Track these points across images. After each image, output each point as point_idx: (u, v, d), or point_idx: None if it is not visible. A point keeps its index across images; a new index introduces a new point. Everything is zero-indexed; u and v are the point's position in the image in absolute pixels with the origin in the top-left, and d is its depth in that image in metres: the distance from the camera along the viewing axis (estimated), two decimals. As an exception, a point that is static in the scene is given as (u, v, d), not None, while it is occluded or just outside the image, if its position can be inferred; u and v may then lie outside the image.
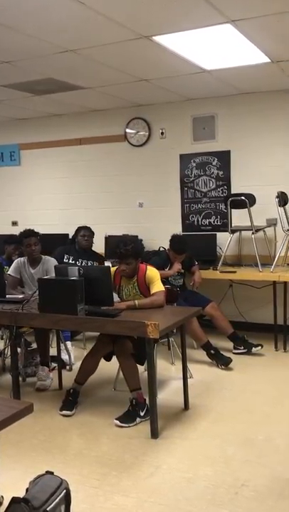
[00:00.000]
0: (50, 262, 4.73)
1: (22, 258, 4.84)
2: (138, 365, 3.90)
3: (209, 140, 6.08)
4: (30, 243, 4.67)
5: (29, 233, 4.73)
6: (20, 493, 2.42)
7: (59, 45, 3.94)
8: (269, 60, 4.45)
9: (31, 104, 6.11)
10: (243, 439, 3.43)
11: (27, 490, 2.48)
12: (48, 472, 2.61)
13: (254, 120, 5.81)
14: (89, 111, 6.58)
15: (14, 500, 2.33)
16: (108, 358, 4.19)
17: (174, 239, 5.23)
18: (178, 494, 2.82)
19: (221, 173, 6.06)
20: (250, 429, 3.59)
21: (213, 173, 6.11)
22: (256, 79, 5.16)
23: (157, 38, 3.85)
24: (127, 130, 6.48)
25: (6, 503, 2.40)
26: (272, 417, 3.78)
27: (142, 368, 3.94)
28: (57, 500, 2.42)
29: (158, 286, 4.06)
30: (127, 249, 4.01)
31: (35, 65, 4.45)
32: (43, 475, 2.58)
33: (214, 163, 6.09)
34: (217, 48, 4.13)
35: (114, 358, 4.17)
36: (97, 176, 6.74)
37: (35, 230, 4.79)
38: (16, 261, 4.88)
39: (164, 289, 4.10)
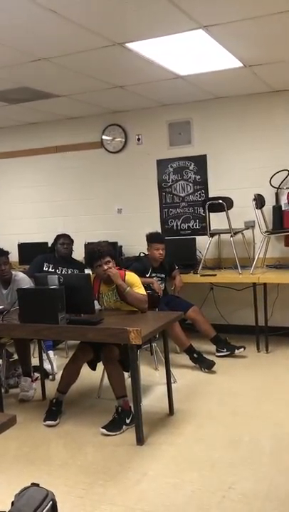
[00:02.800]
0: (21, 280, 4.63)
1: None
2: (124, 372, 3.89)
3: (185, 145, 6.12)
4: (0, 263, 4.59)
5: None
6: (6, 507, 2.39)
7: (32, 53, 3.93)
8: (242, 65, 4.50)
9: (6, 113, 6.07)
10: (228, 442, 3.44)
11: (12, 503, 2.44)
12: (33, 484, 2.57)
13: (229, 124, 5.87)
14: (64, 118, 6.56)
15: (-1, 515, 2.29)
16: (93, 367, 4.18)
17: (150, 233, 5.27)
18: (165, 500, 2.81)
19: (198, 177, 6.10)
20: (235, 431, 3.60)
21: (190, 177, 6.14)
22: (230, 83, 5.21)
23: (130, 45, 3.86)
24: (103, 137, 6.49)
25: (-9, 517, 2.36)
26: (256, 418, 3.80)
27: (126, 375, 3.93)
28: (43, 512, 2.39)
29: (140, 291, 4.06)
30: (102, 246, 4.08)
31: (9, 73, 4.42)
32: (28, 487, 2.54)
33: (191, 168, 6.12)
34: (190, 53, 4.16)
35: (98, 367, 4.16)
36: (74, 184, 6.72)
37: (4, 249, 4.66)
38: None
39: (145, 294, 4.10)
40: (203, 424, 3.75)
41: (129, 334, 3.36)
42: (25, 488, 2.53)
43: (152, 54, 4.11)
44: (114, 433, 3.63)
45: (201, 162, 6.06)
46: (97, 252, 4.07)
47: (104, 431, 3.64)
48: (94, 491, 2.94)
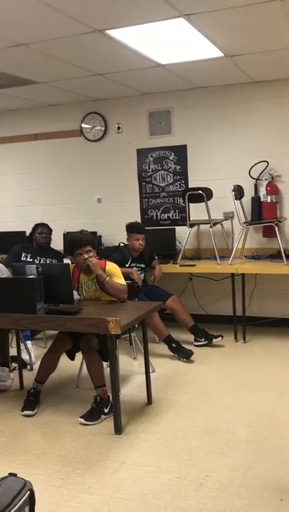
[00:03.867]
0: None
1: None
2: (103, 362, 3.89)
3: (166, 134, 6.10)
4: None
5: None
6: (-17, 498, 2.38)
7: (10, 39, 3.86)
8: (223, 55, 4.49)
9: (-16, 99, 5.97)
10: (205, 431, 3.47)
11: (-11, 494, 2.43)
12: (10, 474, 2.56)
13: (210, 114, 5.86)
14: (43, 106, 6.48)
15: (-24, 505, 2.27)
16: (72, 357, 4.16)
17: (130, 223, 5.25)
18: (143, 489, 2.83)
19: (178, 167, 6.09)
20: (213, 420, 3.63)
21: (170, 167, 6.13)
22: (211, 73, 5.19)
23: (111, 32, 3.82)
24: (83, 125, 6.43)
25: None
26: (233, 407, 3.84)
27: (104, 365, 3.93)
28: (20, 502, 2.38)
29: (119, 281, 4.06)
30: (84, 235, 4.08)
31: (-13, 59, 4.34)
32: (5, 477, 2.53)
33: (171, 158, 6.11)
34: (171, 42, 4.13)
35: (77, 357, 4.15)
36: (53, 172, 6.66)
37: None
38: None
39: (125, 284, 4.10)
40: (181, 414, 3.78)
41: (108, 324, 3.36)
42: (3, 478, 2.52)
43: (133, 42, 4.07)
44: (92, 422, 3.63)
45: (181, 152, 6.05)
46: (78, 240, 4.05)
47: (82, 420, 3.64)
48: (72, 480, 2.94)
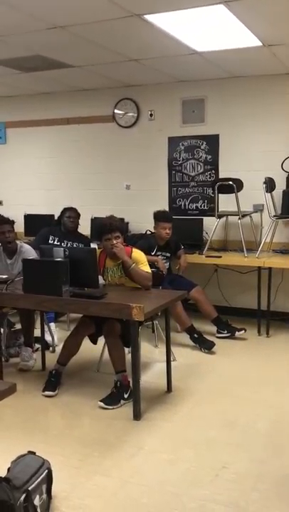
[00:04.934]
0: (27, 251, 4.63)
1: None
2: (125, 348, 3.90)
3: (198, 123, 6.04)
4: (4, 230, 4.53)
5: (2, 220, 4.62)
6: (2, 473, 2.43)
7: (48, 20, 3.85)
8: (261, 44, 4.41)
9: (19, 82, 6.00)
10: (224, 422, 3.47)
11: (8, 470, 2.48)
12: (29, 452, 2.61)
13: (244, 104, 5.78)
14: (77, 90, 6.48)
15: (-5, 480, 2.32)
16: (94, 341, 4.20)
17: (158, 211, 5.22)
18: (159, 475, 2.84)
19: (209, 157, 6.04)
20: (232, 412, 3.62)
21: (201, 157, 6.08)
22: (247, 62, 5.11)
23: (148, 17, 3.78)
24: (116, 111, 6.41)
25: (-13, 482, 2.39)
26: (253, 400, 3.82)
27: (126, 350, 3.94)
28: (38, 480, 2.43)
29: (145, 269, 4.06)
30: (114, 220, 4.09)
31: (23, 41, 4.35)
32: (24, 455, 2.58)
33: (203, 147, 6.05)
34: (209, 29, 4.07)
35: (99, 341, 4.18)
36: (84, 157, 6.67)
37: (10, 218, 4.67)
38: None
39: (150, 272, 4.10)
40: (201, 403, 3.78)
41: (132, 310, 3.36)
42: (22, 456, 2.58)
43: (170, 28, 4.03)
44: (111, 407, 3.65)
45: (213, 142, 5.99)
46: (108, 225, 4.06)
47: (102, 404, 3.67)
48: (89, 462, 2.98)
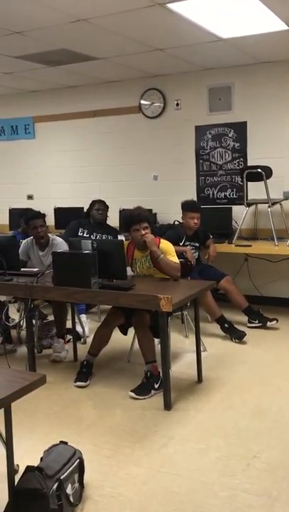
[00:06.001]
0: (59, 244, 4.70)
1: (29, 239, 4.81)
2: (155, 338, 3.92)
3: (225, 111, 5.97)
4: (36, 225, 4.64)
5: (35, 215, 4.72)
6: (35, 462, 2.48)
7: (71, 14, 3.86)
8: (287, 27, 4.31)
9: (45, 76, 6.04)
10: (255, 412, 3.45)
11: (41, 459, 2.53)
12: (61, 442, 2.66)
13: (271, 90, 5.68)
14: (103, 82, 6.48)
15: (28, 469, 2.38)
16: (124, 332, 4.23)
17: (185, 201, 5.20)
18: (190, 464, 2.86)
19: (237, 145, 5.96)
20: (263, 401, 3.60)
21: (229, 145, 6.01)
22: (274, 47, 5.02)
23: (172, 6, 3.74)
24: (142, 101, 6.39)
25: (21, 471, 2.45)
26: (284, 390, 3.79)
27: (156, 341, 3.96)
28: (70, 469, 2.47)
29: (173, 259, 4.06)
30: (142, 211, 4.12)
31: (48, 35, 4.38)
32: (57, 444, 2.63)
33: (230, 135, 5.99)
34: (233, 15, 4.01)
35: (129, 332, 4.20)
36: (111, 149, 6.68)
37: (42, 212, 4.78)
38: (23, 242, 4.84)
39: (179, 262, 4.09)
40: (232, 393, 3.77)
41: (160, 301, 3.37)
42: (54, 446, 2.63)
43: (193, 15, 3.98)
44: (142, 397, 3.68)
45: (240, 129, 5.91)
46: (136, 215, 4.07)
47: (132, 394, 3.70)
48: (121, 452, 3.01)
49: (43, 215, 4.74)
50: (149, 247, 4.00)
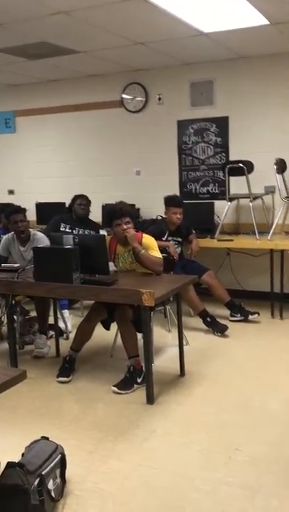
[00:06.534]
0: (40, 239, 4.66)
1: (10, 234, 4.76)
2: (137, 333, 3.91)
3: (207, 106, 5.98)
4: (17, 220, 4.59)
5: (15, 210, 4.67)
6: (17, 459, 2.46)
7: (51, 6, 3.82)
8: (268, 22, 4.33)
9: (26, 70, 5.98)
10: (237, 405, 3.47)
11: (22, 455, 2.52)
12: (43, 437, 2.65)
13: (253, 85, 5.70)
14: (85, 76, 6.44)
15: (9, 465, 2.36)
16: (107, 327, 4.22)
17: (168, 196, 5.19)
18: (172, 458, 2.87)
19: (219, 139, 5.98)
20: (245, 395, 3.63)
21: (211, 139, 6.02)
22: (255, 42, 5.03)
23: (152, -1, 3.73)
24: (124, 96, 6.36)
25: (1, 467, 2.43)
26: (266, 383, 3.82)
27: (139, 336, 3.96)
28: (52, 464, 2.46)
29: (155, 254, 4.05)
30: (124, 206, 4.10)
31: (28, 27, 4.33)
32: (38, 440, 2.62)
33: (212, 130, 5.99)
34: (215, 9, 4.00)
35: (112, 327, 4.20)
36: (93, 143, 6.65)
37: (22, 206, 4.73)
38: (4, 238, 4.80)
39: (161, 257, 4.09)
40: (214, 387, 3.79)
41: (142, 296, 3.37)
42: (35, 441, 2.61)
43: (175, 9, 3.97)
44: (125, 391, 3.68)
45: (222, 124, 5.93)
46: (118, 210, 4.06)
47: (115, 389, 3.69)
48: (103, 447, 3.01)
49: (24, 210, 4.70)
50: (130, 242, 3.99)
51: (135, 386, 3.73)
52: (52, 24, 4.23)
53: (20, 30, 4.40)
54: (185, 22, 4.27)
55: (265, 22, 4.31)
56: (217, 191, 6.04)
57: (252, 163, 5.42)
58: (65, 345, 4.40)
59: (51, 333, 4.70)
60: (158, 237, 4.62)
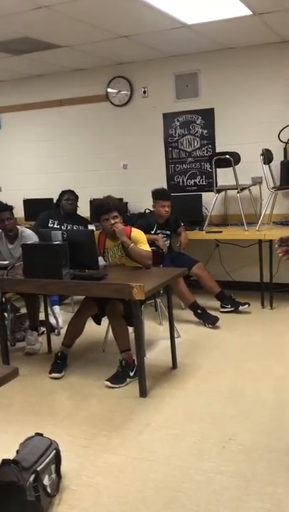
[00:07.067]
0: (28, 236, 4.64)
1: None
2: (129, 327, 3.93)
3: (192, 98, 5.97)
4: (3, 218, 4.55)
5: (1, 208, 4.63)
6: (11, 456, 2.47)
7: (33, 1, 3.78)
8: (251, 13, 4.32)
9: (8, 65, 5.92)
10: (230, 396, 3.50)
11: (17, 452, 2.52)
12: (37, 434, 2.65)
13: (238, 76, 5.70)
14: (69, 71, 6.40)
15: (4, 462, 2.37)
16: (98, 322, 4.22)
17: (156, 190, 5.19)
18: (166, 450, 2.89)
19: (205, 131, 5.98)
20: (237, 385, 3.66)
21: (197, 132, 6.02)
22: (239, 33, 5.02)
23: (134, -9, 3.71)
24: (109, 90, 6.34)
25: (-4, 465, 2.43)
26: (258, 373, 3.85)
27: (130, 329, 3.97)
28: (47, 460, 2.47)
29: (144, 248, 4.06)
30: (111, 200, 4.11)
31: (9, 22, 4.28)
32: (32, 437, 2.63)
33: (198, 122, 5.99)
34: (197, 0, 3.99)
35: (103, 321, 4.20)
36: (79, 138, 6.62)
37: (8, 204, 4.70)
38: None
39: (150, 251, 4.10)
40: (206, 378, 3.81)
41: (132, 290, 3.37)
42: (30, 438, 2.62)
43: (158, 1, 3.95)
44: (118, 385, 3.70)
45: (208, 116, 5.92)
46: (106, 205, 4.05)
47: (108, 383, 3.71)
48: (97, 441, 3.02)
49: (10, 207, 4.67)
50: (119, 236, 3.99)
51: (128, 380, 3.74)
52: (34, 19, 4.19)
53: (1, 26, 4.36)
54: (167, 14, 4.25)
55: (248, 12, 4.30)
56: (204, 183, 6.05)
57: (238, 155, 5.43)
58: (56, 341, 4.40)
59: (42, 329, 4.70)
60: (147, 231, 4.63)
